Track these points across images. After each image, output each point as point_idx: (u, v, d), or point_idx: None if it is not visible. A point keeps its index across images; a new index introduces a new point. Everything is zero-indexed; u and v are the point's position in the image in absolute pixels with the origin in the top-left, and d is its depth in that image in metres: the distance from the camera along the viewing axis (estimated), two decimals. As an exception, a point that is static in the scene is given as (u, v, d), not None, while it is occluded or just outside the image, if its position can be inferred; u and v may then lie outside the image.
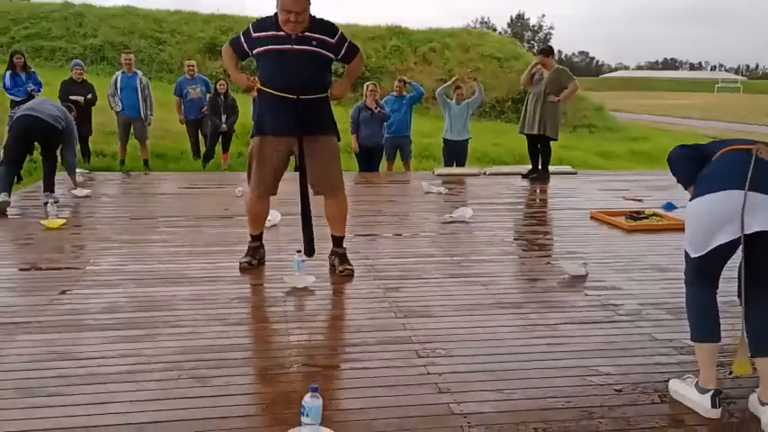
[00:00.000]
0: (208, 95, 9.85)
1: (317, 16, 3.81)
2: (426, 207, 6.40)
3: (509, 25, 62.97)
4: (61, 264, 4.29)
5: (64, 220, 5.30)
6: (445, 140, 8.90)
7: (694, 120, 28.45)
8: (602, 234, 5.35)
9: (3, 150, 6.13)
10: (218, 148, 9.85)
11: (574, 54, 73.77)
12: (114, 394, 2.47)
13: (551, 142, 8.05)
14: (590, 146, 15.70)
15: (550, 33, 63.81)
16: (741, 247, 2.35)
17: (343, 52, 3.90)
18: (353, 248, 4.30)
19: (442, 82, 17.26)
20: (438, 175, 8.34)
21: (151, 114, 9.44)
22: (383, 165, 8.94)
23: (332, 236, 4.15)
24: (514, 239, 5.26)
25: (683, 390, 2.54)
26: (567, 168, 9.10)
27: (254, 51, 3.80)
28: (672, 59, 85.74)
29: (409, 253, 4.65)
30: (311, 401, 2.12)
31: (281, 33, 3.70)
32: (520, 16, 64.52)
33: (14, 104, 8.98)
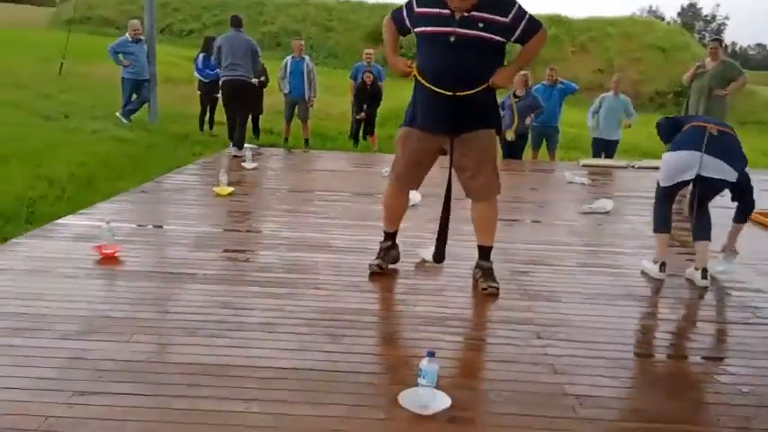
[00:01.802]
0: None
1: None
2: (567, 197, 6.35)
3: (679, 14, 58.43)
4: (226, 226, 4.83)
5: (233, 189, 5.90)
6: (594, 139, 8.74)
7: None
8: (753, 234, 5.05)
9: None
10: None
11: (750, 46, 66.79)
12: (261, 341, 2.82)
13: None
14: (757, 143, 14.38)
15: (725, 24, 58.14)
16: (692, 184, 3.88)
17: (518, 33, 3.27)
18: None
19: (599, 72, 16.53)
20: (583, 165, 8.17)
21: (315, 97, 10.06)
22: (528, 152, 8.89)
23: (478, 246, 3.67)
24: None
25: (645, 262, 3.99)
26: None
27: (416, 30, 3.38)
28: None
29: (544, 240, 4.70)
30: (428, 365, 2.27)
31: (446, 11, 3.23)
32: (692, 5, 59.58)
33: (202, 85, 10.03)
